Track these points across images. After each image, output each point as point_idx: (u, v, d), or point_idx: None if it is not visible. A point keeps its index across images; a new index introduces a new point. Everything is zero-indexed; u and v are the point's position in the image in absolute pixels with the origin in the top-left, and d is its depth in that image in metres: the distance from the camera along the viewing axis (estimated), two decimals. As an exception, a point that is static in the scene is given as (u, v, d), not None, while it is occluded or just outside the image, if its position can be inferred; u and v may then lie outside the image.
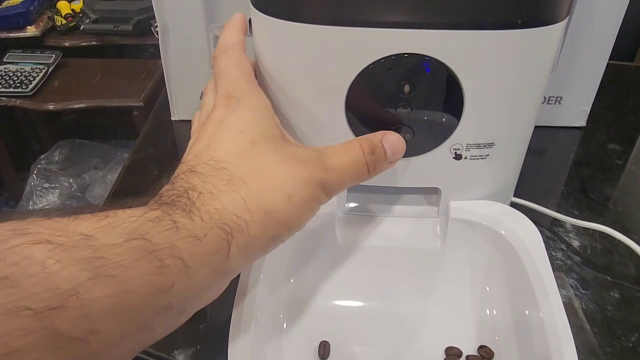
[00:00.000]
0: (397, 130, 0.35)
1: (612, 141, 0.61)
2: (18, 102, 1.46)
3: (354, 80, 0.33)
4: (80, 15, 1.67)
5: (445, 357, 0.35)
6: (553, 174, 0.58)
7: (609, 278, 0.44)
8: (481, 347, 0.35)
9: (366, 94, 0.34)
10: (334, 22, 0.31)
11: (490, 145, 0.36)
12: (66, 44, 1.62)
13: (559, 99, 0.61)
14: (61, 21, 1.64)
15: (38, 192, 1.66)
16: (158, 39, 0.57)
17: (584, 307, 0.41)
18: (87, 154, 1.79)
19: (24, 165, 1.75)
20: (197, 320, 0.40)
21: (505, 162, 0.38)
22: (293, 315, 0.37)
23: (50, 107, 1.46)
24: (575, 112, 0.62)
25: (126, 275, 0.22)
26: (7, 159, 1.66)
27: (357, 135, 0.35)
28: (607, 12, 0.55)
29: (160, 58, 0.58)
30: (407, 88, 0.33)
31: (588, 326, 0.40)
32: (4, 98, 1.46)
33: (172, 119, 0.63)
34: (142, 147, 0.60)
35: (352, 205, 0.40)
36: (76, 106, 1.46)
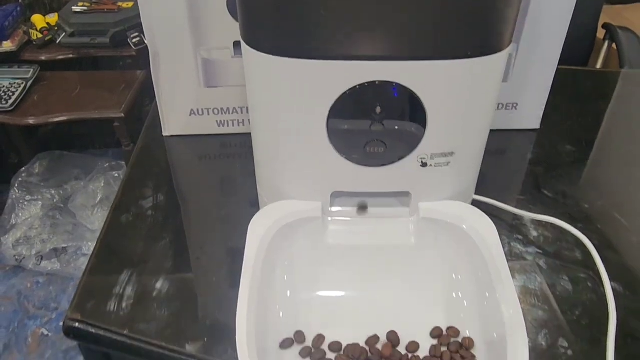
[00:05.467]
0: (372, 144, 0.41)
1: (563, 141, 0.68)
2: (-2, 117, 1.47)
3: (334, 104, 0.39)
4: (56, 28, 1.68)
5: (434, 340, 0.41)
6: (512, 173, 0.65)
7: (558, 262, 0.51)
8: (449, 328, 0.42)
9: (345, 115, 0.40)
10: (317, 56, 0.37)
11: (451, 154, 0.42)
12: (43, 58, 1.63)
13: (515, 105, 0.68)
14: (37, 35, 1.66)
15: (20, 205, 1.68)
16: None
17: (537, 288, 0.48)
18: (67, 165, 1.81)
19: (3, 179, 1.76)
20: (204, 317, 0.45)
21: (464, 167, 0.44)
22: (288, 308, 0.43)
23: (31, 121, 1.48)
24: (530, 116, 0.69)
25: None
26: (-13, 174, 1.67)
27: (337, 149, 0.41)
28: (553, 27, 0.62)
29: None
30: (378, 109, 0.39)
31: (540, 303, 0.47)
32: (-16, 114, 1.48)
33: (164, 134, 0.68)
34: (138, 163, 0.64)
35: (336, 209, 0.46)
36: (57, 119, 1.48)
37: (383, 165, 0.42)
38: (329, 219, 0.45)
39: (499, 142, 0.69)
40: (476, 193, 0.54)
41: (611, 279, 0.48)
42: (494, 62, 0.39)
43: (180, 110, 0.66)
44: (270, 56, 0.38)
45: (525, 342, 0.36)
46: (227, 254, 0.52)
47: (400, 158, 0.42)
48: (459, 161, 0.43)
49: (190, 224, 0.57)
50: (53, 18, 1.72)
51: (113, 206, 0.59)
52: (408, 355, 0.40)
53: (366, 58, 0.37)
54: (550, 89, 0.66)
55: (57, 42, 1.65)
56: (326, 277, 0.44)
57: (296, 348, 0.41)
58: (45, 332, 1.52)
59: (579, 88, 0.81)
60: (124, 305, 0.46)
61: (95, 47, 1.60)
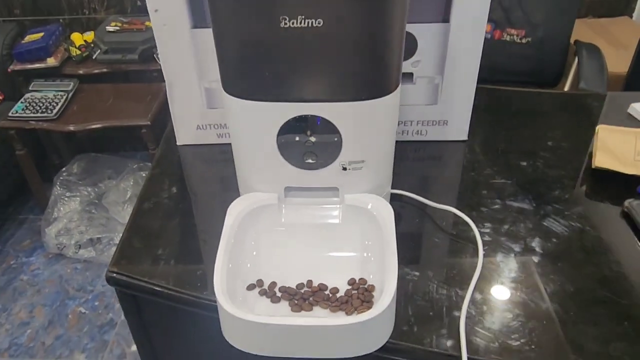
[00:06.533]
0: (307, 155, 0.61)
1: (482, 150, 0.88)
2: (45, 125, 1.72)
3: (280, 129, 0.60)
4: (92, 45, 1.92)
5: (349, 286, 0.61)
6: (440, 175, 0.84)
7: (450, 238, 0.70)
8: (360, 279, 0.62)
9: (288, 136, 0.61)
10: (268, 99, 0.58)
11: (362, 162, 0.62)
12: (81, 72, 1.87)
13: (445, 121, 0.87)
14: (76, 52, 1.90)
15: (61, 200, 1.92)
16: (160, 64, 0.82)
17: (431, 255, 0.68)
18: (101, 165, 2.05)
19: (47, 177, 2.01)
20: (199, 271, 0.67)
21: (375, 170, 0.64)
22: (253, 263, 0.63)
23: (72, 128, 1.72)
24: (458, 130, 0.88)
25: None
26: (35, 172, 1.92)
27: (285, 158, 0.62)
28: (467, 62, 0.81)
29: (163, 82, 0.83)
30: (309, 132, 0.60)
31: (430, 264, 0.66)
32: (33, 122, 1.73)
33: (177, 144, 0.89)
34: (158, 165, 0.86)
35: (290, 198, 0.67)
36: (93, 126, 1.72)
37: (316, 169, 0.63)
38: (283, 205, 0.66)
39: (436, 150, 0.89)
40: (410, 189, 0.74)
41: (484, 250, 0.67)
42: (385, 101, 0.59)
43: (189, 125, 0.87)
44: (239, 99, 0.59)
45: (393, 289, 0.55)
46: (221, 232, 0.73)
47: (328, 164, 0.62)
48: (370, 166, 0.63)
49: (198, 210, 0.78)
50: (89, 35, 1.95)
51: (139, 197, 0.80)
52: (329, 295, 0.60)
53: (299, 100, 0.58)
54: (472, 108, 0.85)
55: (93, 57, 1.88)
56: (280, 243, 0.65)
57: (257, 290, 0.62)
58: (83, 310, 1.73)
59: (504, 106, 1.00)
60: (146, 263, 0.68)
61: (125, 62, 1.83)
